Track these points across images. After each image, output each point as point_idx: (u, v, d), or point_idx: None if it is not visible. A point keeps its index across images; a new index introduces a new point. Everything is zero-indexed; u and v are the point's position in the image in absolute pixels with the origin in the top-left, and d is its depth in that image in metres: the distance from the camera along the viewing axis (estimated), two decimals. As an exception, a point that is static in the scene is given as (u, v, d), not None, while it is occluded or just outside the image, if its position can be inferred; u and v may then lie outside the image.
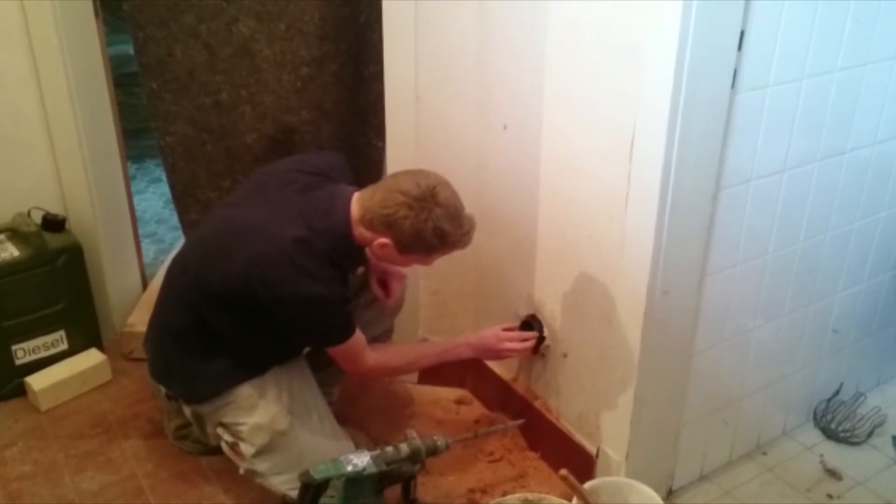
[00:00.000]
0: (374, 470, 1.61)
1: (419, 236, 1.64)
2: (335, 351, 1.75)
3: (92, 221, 2.37)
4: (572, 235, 1.82)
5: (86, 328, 2.38)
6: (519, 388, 2.14)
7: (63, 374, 2.28)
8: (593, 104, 1.66)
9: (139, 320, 2.44)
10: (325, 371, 1.90)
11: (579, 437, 1.96)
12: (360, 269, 1.94)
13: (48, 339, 2.30)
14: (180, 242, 2.77)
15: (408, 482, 1.71)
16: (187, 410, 1.89)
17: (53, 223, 2.29)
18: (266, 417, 1.75)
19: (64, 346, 2.34)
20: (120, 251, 2.56)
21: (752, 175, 1.68)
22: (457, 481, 2.01)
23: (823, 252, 1.92)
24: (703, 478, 2.02)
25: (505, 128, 1.94)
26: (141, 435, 2.16)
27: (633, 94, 1.54)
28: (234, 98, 2.17)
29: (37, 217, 2.29)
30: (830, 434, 2.14)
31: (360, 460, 1.62)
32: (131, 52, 2.20)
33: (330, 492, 1.64)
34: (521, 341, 1.98)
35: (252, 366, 1.77)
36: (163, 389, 1.89)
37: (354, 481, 1.61)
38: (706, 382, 1.88)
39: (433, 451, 1.69)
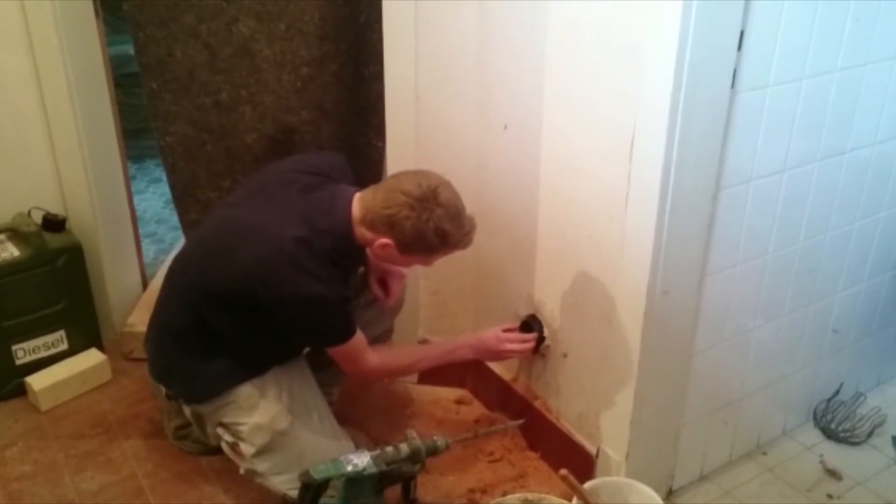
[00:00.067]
0: (374, 470, 1.61)
1: (420, 237, 1.64)
2: (335, 351, 1.75)
3: (92, 221, 2.37)
4: (572, 235, 1.82)
5: (86, 328, 2.38)
6: (519, 388, 2.14)
7: (63, 374, 2.28)
8: (593, 104, 1.66)
9: (139, 320, 2.44)
10: (326, 371, 1.90)
11: (579, 437, 1.96)
12: (361, 269, 1.94)
13: (48, 339, 2.30)
14: (180, 242, 2.77)
15: (408, 482, 1.71)
16: (187, 410, 1.89)
17: (53, 223, 2.29)
18: (266, 417, 1.75)
19: (64, 346, 2.34)
20: (120, 251, 2.56)
21: (752, 175, 1.68)
22: (457, 481, 2.01)
23: (823, 252, 1.92)
24: (703, 478, 2.02)
25: (505, 128, 1.94)
26: (141, 435, 2.16)
27: (633, 94, 1.54)
28: (235, 98, 2.17)
29: (37, 217, 2.29)
30: (830, 434, 2.14)
31: (360, 460, 1.62)
32: (131, 52, 2.20)
33: (330, 492, 1.64)
34: (521, 342, 1.98)
35: (252, 366, 1.77)
36: (163, 389, 1.89)
37: (354, 481, 1.62)
38: (706, 382, 1.88)
39: (433, 451, 1.69)
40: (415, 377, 2.33)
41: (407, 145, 2.06)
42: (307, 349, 1.87)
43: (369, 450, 1.65)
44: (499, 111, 1.95)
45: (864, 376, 2.26)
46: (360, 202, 1.69)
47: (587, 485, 1.71)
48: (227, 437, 1.80)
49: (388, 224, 1.64)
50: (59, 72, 2.17)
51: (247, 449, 1.76)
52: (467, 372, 2.28)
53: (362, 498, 1.65)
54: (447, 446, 1.71)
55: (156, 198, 3.60)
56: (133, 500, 1.96)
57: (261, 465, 1.77)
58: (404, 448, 1.66)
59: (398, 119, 2.05)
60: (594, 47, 1.62)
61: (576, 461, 1.87)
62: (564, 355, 1.96)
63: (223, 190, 2.28)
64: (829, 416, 2.17)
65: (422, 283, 2.23)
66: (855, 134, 1.79)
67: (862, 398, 2.23)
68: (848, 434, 2.13)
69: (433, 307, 2.28)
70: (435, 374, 2.24)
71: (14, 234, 2.26)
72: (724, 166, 1.61)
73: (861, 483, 2.01)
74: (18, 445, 2.12)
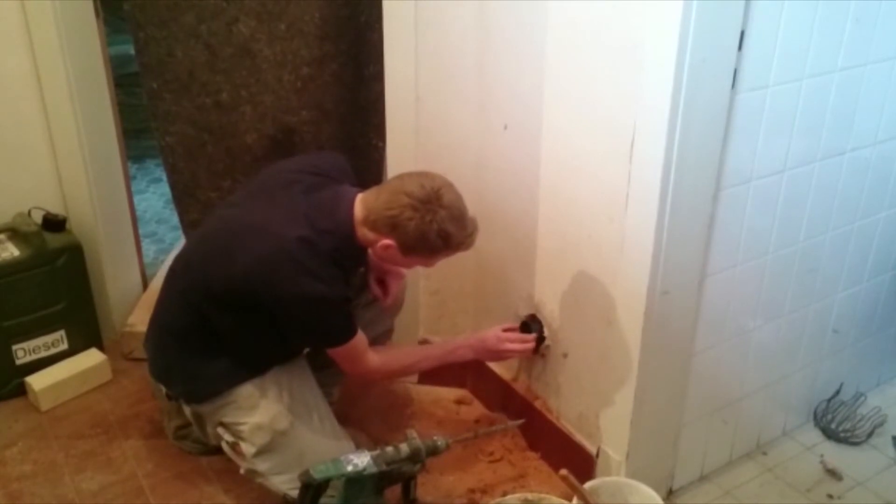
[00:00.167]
0: (374, 470, 1.61)
1: (423, 238, 1.64)
2: (336, 352, 1.75)
3: (92, 221, 2.37)
4: (572, 235, 1.82)
5: (86, 328, 2.38)
6: (519, 388, 2.14)
7: (63, 374, 2.28)
8: (593, 104, 1.66)
9: (139, 320, 2.44)
10: (326, 371, 1.90)
11: (579, 437, 1.96)
12: (361, 269, 1.94)
13: (48, 339, 2.31)
14: (180, 242, 2.77)
15: (408, 482, 1.71)
16: (187, 410, 1.89)
17: (54, 223, 2.29)
18: (267, 417, 1.75)
19: (64, 346, 2.34)
20: (120, 251, 2.56)
21: (753, 175, 1.67)
22: (457, 481, 2.01)
23: (824, 252, 1.92)
24: (703, 478, 2.02)
25: (505, 128, 1.94)
26: (141, 435, 2.16)
27: (634, 94, 1.54)
28: (235, 98, 2.17)
29: (37, 217, 2.29)
30: (831, 434, 2.14)
31: (361, 460, 1.62)
32: (132, 52, 2.20)
33: (330, 492, 1.64)
34: (521, 342, 1.98)
35: (253, 366, 1.77)
36: (163, 389, 1.89)
37: (354, 481, 1.62)
38: (706, 382, 1.88)
39: (433, 451, 1.69)
40: (415, 377, 2.33)
41: (407, 145, 2.06)
42: (307, 349, 1.87)
43: (369, 450, 1.65)
44: (499, 111, 1.95)
45: (865, 376, 2.26)
46: (362, 203, 1.69)
47: (587, 485, 1.71)
48: (228, 437, 1.80)
49: (390, 225, 1.64)
50: (59, 72, 2.18)
51: (247, 449, 1.76)
52: (467, 372, 2.28)
53: (362, 498, 1.65)
54: (447, 446, 1.71)
55: (156, 198, 3.60)
56: (133, 500, 1.96)
57: (261, 465, 1.77)
58: (404, 448, 1.66)
59: (398, 119, 2.05)
60: (594, 47, 1.62)
61: (576, 461, 1.87)
62: (564, 355, 1.96)
63: (223, 190, 2.28)
64: (830, 417, 2.17)
65: (422, 283, 2.23)
66: (855, 134, 1.79)
67: (862, 398, 2.23)
68: (848, 434, 2.13)
69: (433, 307, 2.28)
70: (435, 374, 2.24)
71: (14, 233, 2.26)
72: (724, 166, 1.61)
73: (861, 483, 2.01)
74: (18, 445, 2.12)
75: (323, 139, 2.27)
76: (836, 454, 2.09)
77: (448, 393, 2.32)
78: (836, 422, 2.15)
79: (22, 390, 2.28)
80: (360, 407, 2.24)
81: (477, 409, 2.28)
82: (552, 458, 2.04)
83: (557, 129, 1.78)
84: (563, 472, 1.60)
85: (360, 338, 1.74)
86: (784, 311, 1.93)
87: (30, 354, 2.28)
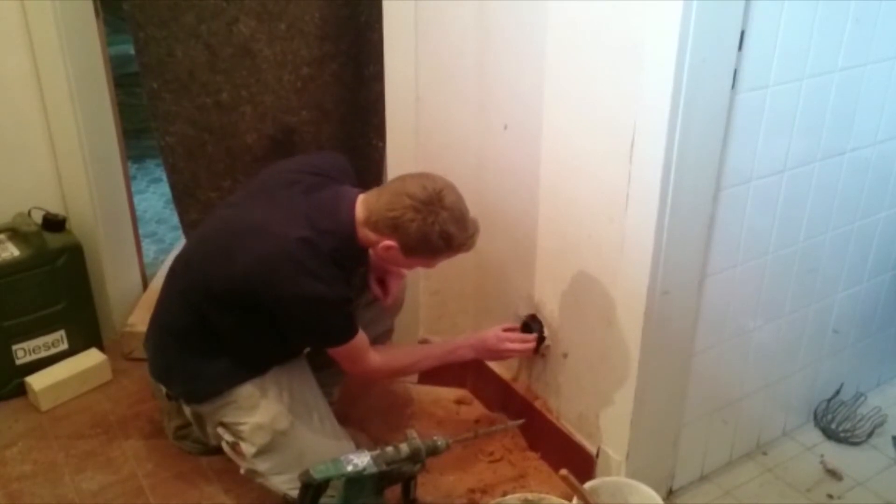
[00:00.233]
0: (374, 470, 1.61)
1: (425, 239, 1.64)
2: (337, 351, 1.75)
3: (92, 221, 2.37)
4: (572, 235, 1.82)
5: (86, 328, 2.38)
6: (519, 388, 2.14)
7: (63, 374, 2.28)
8: (593, 104, 1.66)
9: (139, 320, 2.44)
10: (326, 371, 1.90)
11: (579, 437, 1.96)
12: (361, 270, 1.94)
13: (48, 339, 2.30)
14: (180, 242, 2.77)
15: (408, 482, 1.71)
16: (187, 410, 1.89)
17: (54, 223, 2.29)
18: (267, 417, 1.75)
19: (64, 346, 2.34)
20: (120, 251, 2.56)
21: (753, 175, 1.67)
22: (457, 481, 2.01)
23: (824, 252, 1.92)
24: (703, 478, 2.02)
25: (505, 128, 1.94)
26: (141, 435, 2.16)
27: (634, 94, 1.54)
28: (235, 98, 2.17)
29: (37, 217, 2.29)
30: (831, 434, 2.14)
31: (361, 460, 1.62)
32: (132, 52, 2.20)
33: (330, 492, 1.64)
34: (521, 342, 1.98)
35: (253, 366, 1.77)
36: (163, 389, 1.89)
37: (354, 481, 1.62)
38: (706, 383, 1.88)
39: (433, 451, 1.69)
40: (415, 377, 2.33)
41: (407, 145, 2.06)
42: (308, 349, 1.87)
43: (369, 450, 1.65)
44: (499, 111, 1.95)
45: (865, 376, 2.26)
46: (363, 204, 1.69)
47: (587, 485, 1.71)
48: (228, 437, 1.80)
49: (392, 226, 1.64)
50: (59, 72, 2.17)
51: (247, 449, 1.77)
52: (467, 372, 2.28)
53: (362, 498, 1.65)
54: (447, 446, 1.71)
55: (156, 198, 3.60)
56: (133, 500, 1.96)
57: (261, 465, 1.77)
58: (404, 448, 1.66)
59: (398, 119, 2.05)
60: (594, 47, 1.62)
61: (576, 461, 1.87)
62: (564, 355, 1.96)
63: (223, 190, 2.28)
64: (830, 417, 2.17)
65: (422, 283, 2.23)
66: (855, 134, 1.79)
67: (862, 398, 2.23)
68: (848, 434, 2.13)
69: (433, 307, 2.28)
70: (435, 374, 2.24)
71: (14, 233, 2.26)
72: (724, 166, 1.61)
73: (861, 483, 2.01)
74: (18, 445, 2.12)
75: (323, 139, 2.27)
76: (836, 454, 2.09)
77: (448, 393, 2.32)
78: (836, 422, 2.15)
79: (22, 390, 2.28)
80: (360, 407, 2.24)
81: (477, 409, 2.28)
82: (552, 458, 2.04)
83: (557, 129, 1.78)
84: (563, 472, 1.60)
85: (361, 337, 1.74)
86: (784, 311, 1.93)
87: (30, 354, 2.28)
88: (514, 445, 2.11)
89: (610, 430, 1.86)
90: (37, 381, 2.25)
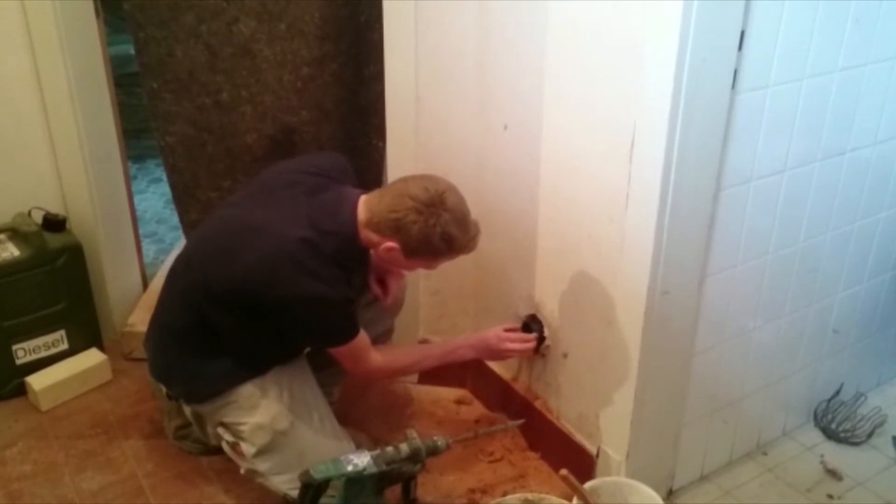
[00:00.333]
0: (374, 470, 1.61)
1: (427, 241, 1.64)
2: (338, 351, 1.75)
3: (92, 221, 2.37)
4: (572, 235, 1.82)
5: (86, 328, 2.38)
6: (519, 388, 2.14)
7: (63, 374, 2.28)
8: (593, 104, 1.66)
9: (139, 320, 2.44)
10: (326, 371, 1.90)
11: (579, 437, 1.96)
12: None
13: (48, 338, 2.31)
14: (181, 242, 2.77)
15: (408, 482, 1.71)
16: (187, 410, 1.89)
17: (54, 223, 2.29)
18: (267, 417, 1.75)
19: (64, 346, 2.34)
20: (120, 251, 2.56)
21: (753, 175, 1.67)
22: (457, 481, 2.01)
23: (824, 252, 1.92)
24: (703, 478, 2.02)
25: (505, 128, 1.94)
26: (141, 435, 2.16)
27: (634, 94, 1.54)
28: (235, 98, 2.17)
29: (37, 217, 2.29)
30: (831, 434, 2.14)
31: (361, 460, 1.62)
32: (132, 52, 2.20)
33: (330, 492, 1.64)
34: (522, 342, 1.98)
35: (253, 366, 1.77)
36: (163, 389, 1.89)
37: (355, 481, 1.61)
38: (706, 383, 1.88)
39: (433, 451, 1.69)
40: (415, 377, 2.33)
41: (407, 145, 2.06)
42: (308, 349, 1.87)
43: (370, 450, 1.65)
44: (499, 111, 1.95)
45: (865, 376, 2.26)
46: (365, 205, 1.69)
47: (587, 485, 1.71)
48: (228, 437, 1.80)
49: (394, 228, 1.64)
50: (59, 72, 2.18)
51: (248, 449, 1.77)
52: (467, 372, 2.28)
53: (362, 498, 1.65)
54: (447, 446, 1.71)
55: (156, 198, 3.60)
56: (133, 500, 1.96)
57: (261, 465, 1.77)
58: (404, 448, 1.66)
59: (398, 119, 2.05)
60: (594, 47, 1.62)
61: (576, 461, 1.87)
62: (564, 355, 1.96)
63: (223, 190, 2.28)
64: (830, 417, 2.17)
65: (422, 283, 2.23)
66: (855, 134, 1.79)
67: (862, 398, 2.23)
68: (848, 434, 2.13)
69: (433, 307, 2.28)
70: (435, 374, 2.24)
71: (14, 233, 2.26)
72: (724, 166, 1.61)
73: (861, 483, 2.01)
74: (18, 445, 2.12)
75: (323, 139, 2.27)
76: (836, 454, 2.09)
77: (448, 393, 2.32)
78: (836, 422, 2.15)
79: (22, 390, 2.28)
80: (360, 407, 2.24)
81: (477, 409, 2.28)
82: (552, 458, 2.04)
83: (557, 129, 1.78)
84: (563, 472, 1.60)
85: (363, 337, 1.74)
86: (784, 311, 1.93)
87: (30, 354, 2.28)
88: (514, 445, 2.11)
89: (610, 430, 1.86)
90: (37, 381, 2.25)
